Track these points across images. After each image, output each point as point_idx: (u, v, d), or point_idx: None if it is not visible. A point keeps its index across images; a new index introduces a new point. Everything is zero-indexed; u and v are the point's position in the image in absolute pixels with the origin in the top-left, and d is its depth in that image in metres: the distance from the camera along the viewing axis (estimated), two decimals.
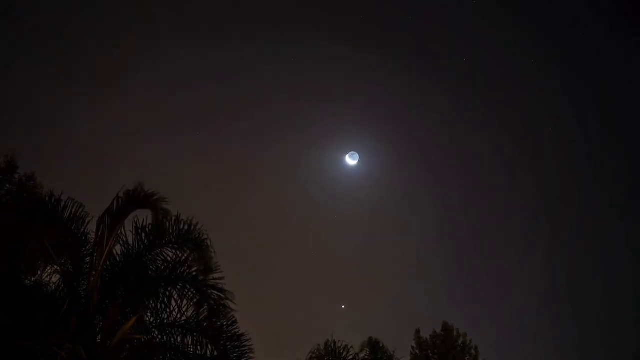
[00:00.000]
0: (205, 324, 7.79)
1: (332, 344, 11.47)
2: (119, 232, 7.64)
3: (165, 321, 7.81)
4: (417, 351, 18.79)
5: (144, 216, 7.94)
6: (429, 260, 28.47)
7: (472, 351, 18.42)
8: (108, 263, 7.56)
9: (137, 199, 7.59)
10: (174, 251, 8.04)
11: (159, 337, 7.80)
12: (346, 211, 28.53)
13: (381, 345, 12.46)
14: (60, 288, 7.53)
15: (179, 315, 7.83)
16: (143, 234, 7.96)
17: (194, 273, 7.94)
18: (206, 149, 26.95)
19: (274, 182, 28.05)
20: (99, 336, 7.01)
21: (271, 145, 28.07)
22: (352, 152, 25.17)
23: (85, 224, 7.78)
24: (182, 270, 7.96)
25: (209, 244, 7.95)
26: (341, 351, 11.43)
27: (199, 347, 7.78)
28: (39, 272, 7.68)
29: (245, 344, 8.06)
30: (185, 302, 7.85)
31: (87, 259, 7.59)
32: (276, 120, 27.36)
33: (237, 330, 8.07)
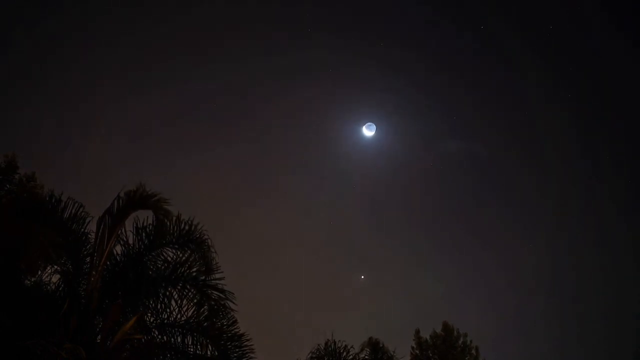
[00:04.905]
0: (205, 324, 7.78)
1: (332, 344, 11.46)
2: (119, 232, 7.62)
3: (166, 321, 7.80)
4: (417, 351, 18.80)
5: (145, 216, 7.95)
6: (436, 248, 28.55)
7: (473, 351, 18.43)
8: (108, 263, 7.54)
9: (138, 199, 7.56)
10: (174, 251, 8.03)
11: (159, 337, 7.79)
12: (363, 186, 28.50)
13: (381, 345, 12.44)
14: (60, 288, 7.52)
15: (179, 316, 7.82)
16: (143, 234, 7.95)
17: (195, 273, 7.93)
18: (207, 145, 27.01)
19: (287, 160, 28.04)
20: (99, 336, 7.00)
21: (282, 122, 27.92)
22: (369, 123, 24.71)
23: (85, 224, 7.78)
24: (182, 270, 7.95)
25: (210, 244, 7.95)
26: (341, 351, 11.43)
27: (199, 347, 7.77)
28: (39, 272, 7.66)
29: (245, 343, 8.06)
30: (185, 302, 7.84)
31: (87, 259, 7.57)
32: (283, 97, 27.19)
33: (238, 330, 8.06)
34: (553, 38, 24.77)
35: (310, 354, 11.32)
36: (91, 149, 24.20)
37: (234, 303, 7.92)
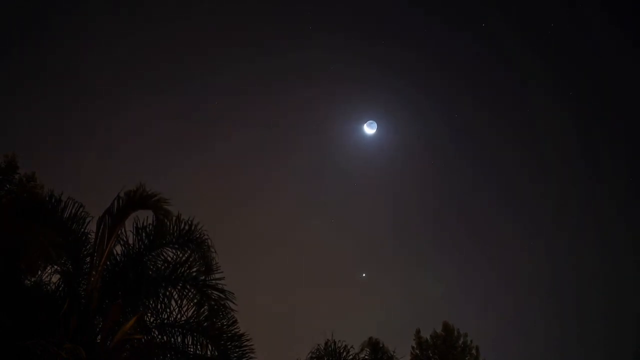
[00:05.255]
0: (205, 324, 7.78)
1: (332, 344, 11.47)
2: (119, 232, 7.62)
3: (166, 321, 7.81)
4: (418, 351, 18.80)
5: (145, 216, 7.95)
6: (436, 248, 28.52)
7: (473, 351, 18.43)
8: (108, 263, 7.54)
9: (138, 199, 7.56)
10: (174, 251, 8.03)
11: (159, 337, 7.79)
12: (363, 186, 28.48)
13: (381, 345, 12.45)
14: (60, 288, 7.52)
15: (179, 316, 7.83)
16: (143, 234, 7.95)
17: (195, 273, 7.93)
18: (207, 145, 26.98)
19: (288, 160, 27.96)
20: (99, 336, 7.00)
21: (276, 119, 27.81)
22: (370, 121, 24.36)
23: (85, 224, 7.80)
24: (182, 270, 7.95)
25: (210, 244, 7.95)
26: (341, 351, 11.43)
27: (199, 347, 7.77)
28: (39, 272, 7.66)
29: (245, 343, 8.06)
30: (185, 302, 7.85)
31: (87, 259, 7.58)
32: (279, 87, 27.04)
33: (238, 330, 8.07)
34: (553, 38, 24.76)
35: (310, 354, 11.34)
36: (91, 149, 24.20)
37: (234, 303, 7.94)
